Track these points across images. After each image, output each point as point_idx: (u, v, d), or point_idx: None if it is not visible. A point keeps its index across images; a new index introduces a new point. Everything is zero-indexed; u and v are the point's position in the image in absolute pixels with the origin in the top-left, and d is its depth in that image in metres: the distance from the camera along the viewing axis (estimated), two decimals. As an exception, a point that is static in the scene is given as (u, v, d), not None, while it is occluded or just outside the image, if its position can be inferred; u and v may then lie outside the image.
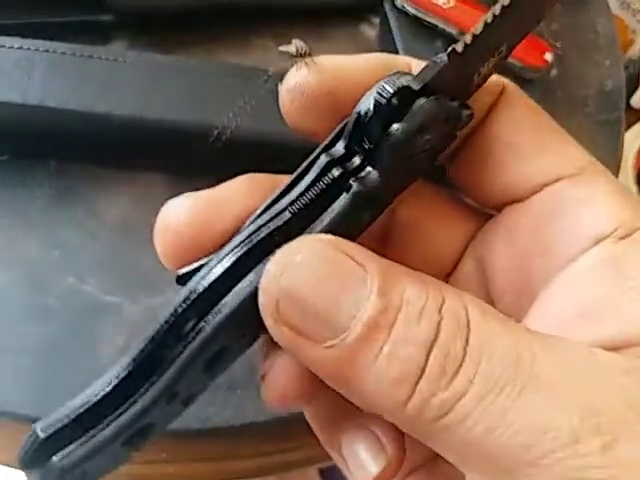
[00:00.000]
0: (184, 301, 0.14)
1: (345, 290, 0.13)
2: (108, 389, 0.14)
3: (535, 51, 0.35)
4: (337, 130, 0.15)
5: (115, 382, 0.14)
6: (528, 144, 0.15)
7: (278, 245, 0.13)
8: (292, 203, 0.14)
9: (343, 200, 0.14)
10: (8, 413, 0.27)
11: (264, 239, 0.14)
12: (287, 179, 0.15)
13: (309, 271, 0.13)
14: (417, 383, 0.12)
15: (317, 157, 0.15)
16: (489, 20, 0.14)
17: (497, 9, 0.14)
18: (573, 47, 0.39)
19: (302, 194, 0.14)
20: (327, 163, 0.14)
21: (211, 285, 0.14)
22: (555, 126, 0.16)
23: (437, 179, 0.17)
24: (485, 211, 0.17)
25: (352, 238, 0.14)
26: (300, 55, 0.15)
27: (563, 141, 0.16)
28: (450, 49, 0.14)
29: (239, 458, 0.30)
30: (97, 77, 0.29)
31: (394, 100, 0.13)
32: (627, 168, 0.64)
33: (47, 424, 0.14)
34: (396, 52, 0.34)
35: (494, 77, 0.16)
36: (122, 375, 0.14)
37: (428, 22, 0.35)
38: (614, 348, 0.13)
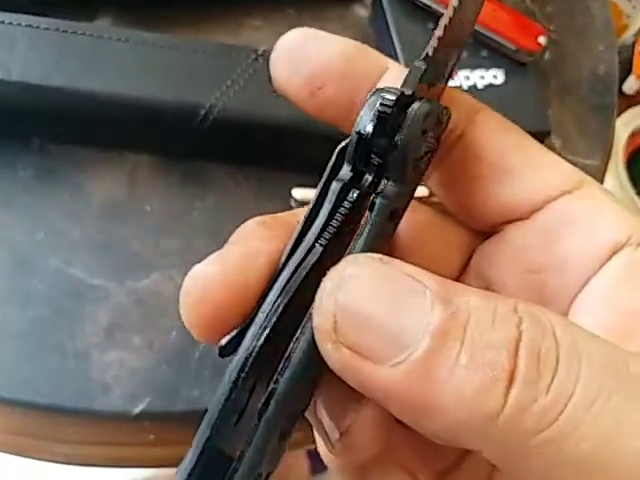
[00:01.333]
0: (238, 376, 0.13)
1: (403, 302, 0.12)
2: None
3: (529, 34, 0.34)
4: (334, 160, 0.14)
5: None
6: (522, 163, 0.15)
7: (319, 283, 0.13)
8: (319, 236, 0.14)
9: (371, 218, 0.14)
10: (-7, 396, 0.27)
11: (304, 280, 0.14)
12: (299, 214, 0.15)
13: (364, 283, 0.12)
14: (509, 388, 0.11)
15: (325, 186, 0.14)
16: (447, 22, 0.14)
17: (450, 12, 0.14)
18: (567, 31, 0.39)
19: (326, 225, 0.14)
20: (341, 188, 0.14)
21: (262, 349, 0.13)
22: (538, 143, 0.16)
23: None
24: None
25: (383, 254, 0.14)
26: None
27: (553, 157, 0.16)
28: (424, 54, 0.14)
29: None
30: (81, 54, 0.28)
31: (395, 109, 0.13)
32: (618, 154, 0.64)
33: None
34: (389, 33, 0.34)
35: (470, 99, 0.16)
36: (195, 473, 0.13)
37: (421, 3, 0.34)
38: None
